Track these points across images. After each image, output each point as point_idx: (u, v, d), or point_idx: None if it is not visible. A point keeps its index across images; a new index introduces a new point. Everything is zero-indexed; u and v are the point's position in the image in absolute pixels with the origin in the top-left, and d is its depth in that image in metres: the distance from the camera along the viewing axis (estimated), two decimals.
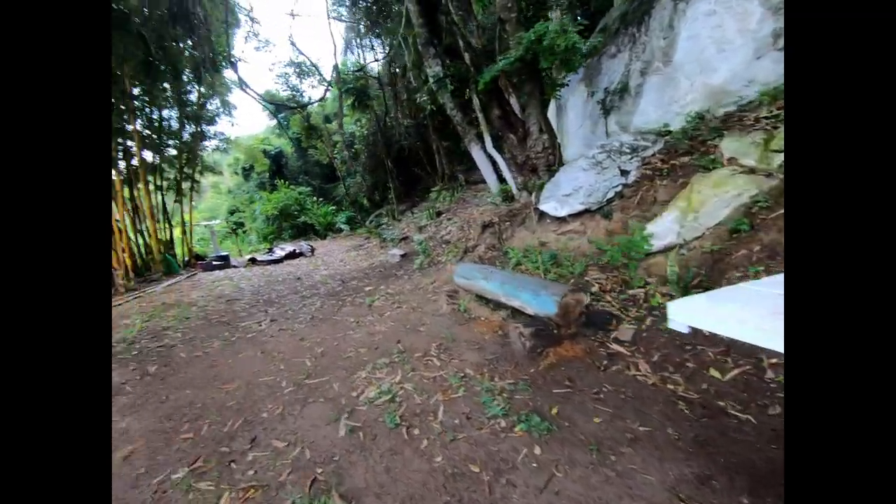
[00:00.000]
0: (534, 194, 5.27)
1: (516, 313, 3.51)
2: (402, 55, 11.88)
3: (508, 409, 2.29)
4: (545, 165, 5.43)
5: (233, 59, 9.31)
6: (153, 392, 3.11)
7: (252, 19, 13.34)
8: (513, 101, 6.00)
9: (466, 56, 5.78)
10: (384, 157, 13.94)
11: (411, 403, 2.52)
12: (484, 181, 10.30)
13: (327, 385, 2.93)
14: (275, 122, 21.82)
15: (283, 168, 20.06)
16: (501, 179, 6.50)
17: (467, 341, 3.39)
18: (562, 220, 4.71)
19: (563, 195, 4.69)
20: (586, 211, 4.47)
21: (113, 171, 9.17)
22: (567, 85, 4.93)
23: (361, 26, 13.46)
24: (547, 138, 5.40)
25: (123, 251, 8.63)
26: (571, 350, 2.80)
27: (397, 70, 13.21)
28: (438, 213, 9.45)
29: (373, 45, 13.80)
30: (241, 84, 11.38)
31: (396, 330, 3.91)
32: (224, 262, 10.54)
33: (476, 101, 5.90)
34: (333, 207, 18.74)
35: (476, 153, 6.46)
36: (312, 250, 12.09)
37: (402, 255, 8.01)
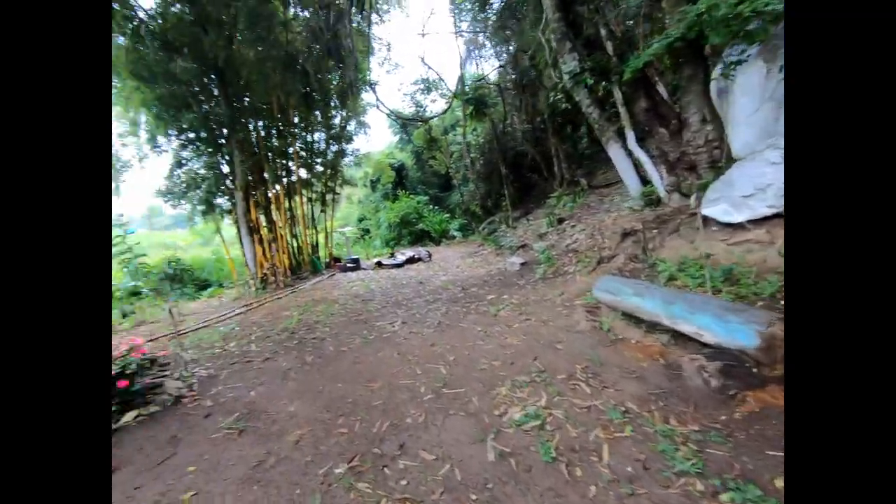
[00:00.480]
0: (693, 196, 4.43)
1: (682, 339, 2.89)
2: (523, 60, 11.67)
3: (703, 468, 1.80)
4: (708, 162, 4.53)
5: (371, 83, 10.35)
6: (312, 381, 3.45)
7: (387, 47, 14.82)
8: (661, 89, 5.20)
9: (609, 45, 5.24)
10: (499, 164, 13.88)
11: (565, 435, 2.21)
12: (610, 185, 9.30)
13: (465, 398, 2.81)
14: (397, 137, 23.88)
15: (404, 179, 21.72)
16: (645, 181, 5.70)
17: (619, 367, 2.92)
18: (737, 227, 3.81)
19: (739, 196, 3.80)
20: (776, 216, 3.53)
21: (278, 186, 11.07)
22: (745, 61, 4.02)
23: (481, 37, 13.71)
24: (711, 129, 4.50)
25: (283, 252, 10.29)
26: (782, 398, 2.13)
27: (515, 76, 13.05)
28: (560, 220, 8.87)
29: (495, 53, 13.93)
30: (378, 104, 12.66)
31: (530, 345, 3.64)
32: (356, 264, 11.75)
33: (617, 95, 5.30)
34: (447, 215, 19.49)
35: (615, 152, 5.80)
36: (430, 256, 12.65)
37: (522, 264, 7.70)
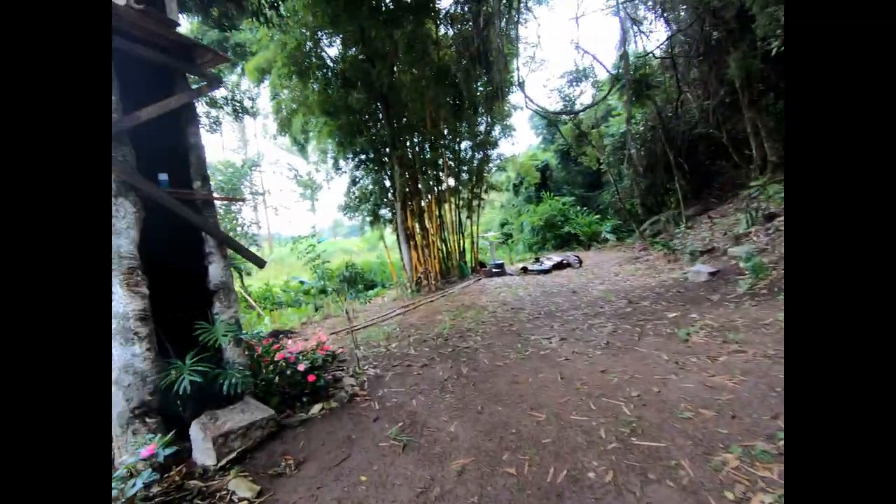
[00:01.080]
0: None
1: None
2: (697, 29, 9.52)
3: None
4: None
5: (519, 82, 10.06)
6: (469, 398, 3.25)
7: (535, 45, 14.38)
8: None
9: None
10: (665, 153, 11.68)
11: None
12: None
13: (669, 458, 2.11)
14: (540, 138, 22.99)
15: (548, 180, 20.73)
16: None
17: None
18: None
19: None
20: None
21: (429, 196, 11.83)
22: None
23: (643, 9, 11.86)
24: None
25: (434, 257, 10.90)
26: None
27: (695, 42, 10.77)
28: (769, 217, 6.72)
29: (665, 20, 11.87)
30: (526, 101, 12.36)
31: (759, 392, 2.60)
32: (500, 269, 11.58)
33: None
34: (597, 216, 17.65)
35: None
36: (580, 261, 11.52)
37: (712, 274, 6.09)
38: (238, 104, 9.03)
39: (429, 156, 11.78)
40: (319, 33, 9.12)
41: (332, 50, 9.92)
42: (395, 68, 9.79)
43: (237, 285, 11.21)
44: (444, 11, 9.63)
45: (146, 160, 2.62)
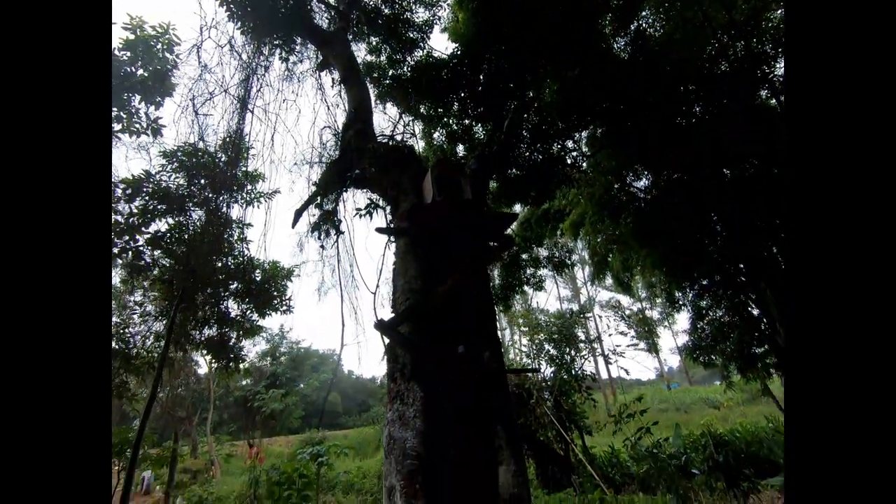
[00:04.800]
0: None
1: None
2: None
3: None
4: None
5: None
6: None
7: None
8: None
9: None
10: None
11: None
12: None
13: None
14: None
15: None
16: None
17: None
18: None
19: None
20: None
21: None
22: None
23: None
24: None
25: None
26: None
27: None
28: None
29: None
30: None
31: None
32: None
33: None
34: None
35: None
36: None
37: None
38: (557, 259, 9.69)
39: None
40: (625, 171, 8.96)
41: (642, 181, 9.41)
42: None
43: (577, 446, 10.10)
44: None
45: (443, 338, 2.56)
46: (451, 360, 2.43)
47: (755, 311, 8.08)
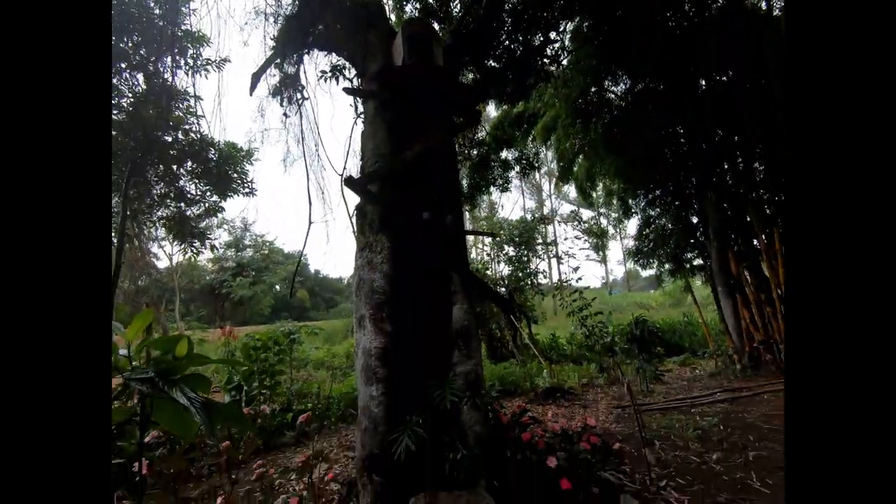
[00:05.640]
0: None
1: None
2: None
3: None
4: None
5: None
6: None
7: None
8: None
9: None
10: None
11: None
12: None
13: None
14: None
15: None
16: None
17: None
18: None
19: None
20: None
21: (771, 228, 8.15)
22: None
23: None
24: None
25: (780, 321, 7.10)
26: None
27: None
28: None
29: None
30: None
31: None
32: None
33: None
34: None
35: None
36: None
37: None
38: (525, 162, 9.75)
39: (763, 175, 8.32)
40: (603, 74, 8.66)
41: (619, 87, 9.19)
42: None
43: (524, 333, 11.59)
44: None
45: (410, 197, 2.71)
46: (417, 220, 2.64)
47: (694, 220, 8.88)
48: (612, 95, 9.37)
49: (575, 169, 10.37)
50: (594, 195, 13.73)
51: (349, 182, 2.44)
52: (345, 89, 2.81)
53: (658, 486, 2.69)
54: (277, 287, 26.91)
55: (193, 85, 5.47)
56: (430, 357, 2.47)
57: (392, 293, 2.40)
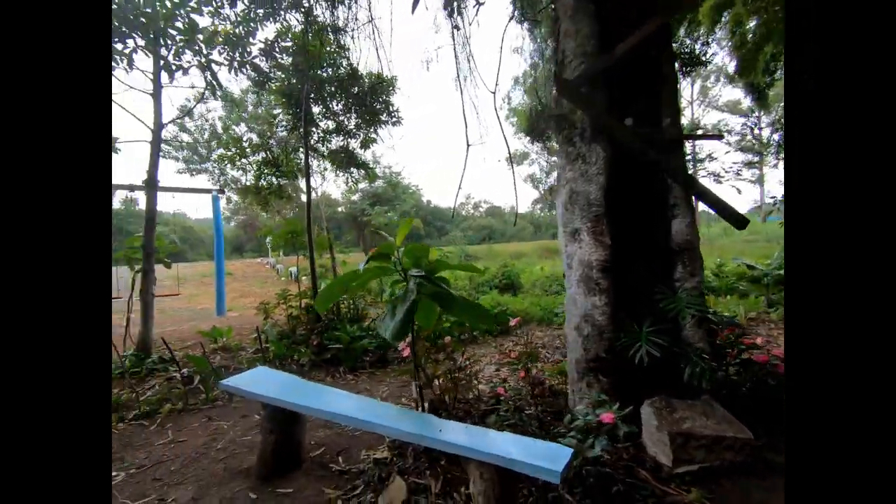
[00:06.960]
0: None
1: None
2: None
3: None
4: None
5: None
6: None
7: None
8: None
9: None
10: None
11: None
12: None
13: None
14: None
15: None
16: None
17: None
18: None
19: None
20: None
21: None
22: None
23: None
24: None
25: None
26: None
27: None
28: None
29: None
30: None
31: None
32: None
33: None
34: None
35: None
36: None
37: None
38: (686, 56, 7.93)
39: None
40: None
41: None
42: None
43: None
44: None
45: (617, 100, 2.43)
46: (630, 126, 2.37)
47: None
48: None
49: (759, 56, 8.04)
50: (770, 94, 10.83)
51: (563, 86, 2.26)
52: None
53: None
54: (407, 212, 29.37)
55: (346, 17, 5.62)
56: (648, 272, 2.37)
57: (608, 206, 2.29)
